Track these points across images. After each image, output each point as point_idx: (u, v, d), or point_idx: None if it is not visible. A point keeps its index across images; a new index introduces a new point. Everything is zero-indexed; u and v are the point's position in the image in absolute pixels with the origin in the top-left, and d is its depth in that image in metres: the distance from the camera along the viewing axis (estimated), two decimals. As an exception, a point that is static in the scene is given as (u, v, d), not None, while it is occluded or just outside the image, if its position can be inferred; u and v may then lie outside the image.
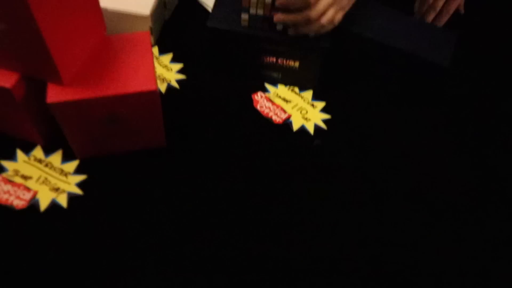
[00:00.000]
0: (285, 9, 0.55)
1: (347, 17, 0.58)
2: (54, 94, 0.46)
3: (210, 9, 0.72)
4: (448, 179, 0.59)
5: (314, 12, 0.54)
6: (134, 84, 0.48)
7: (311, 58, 0.59)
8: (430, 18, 0.76)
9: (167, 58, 0.66)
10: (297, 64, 0.60)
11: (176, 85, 0.63)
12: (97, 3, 0.50)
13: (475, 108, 0.67)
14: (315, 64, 0.60)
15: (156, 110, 0.51)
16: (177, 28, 0.71)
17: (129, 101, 0.48)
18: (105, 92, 0.47)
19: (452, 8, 0.76)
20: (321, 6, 0.54)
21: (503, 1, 0.85)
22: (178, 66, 0.66)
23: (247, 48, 0.60)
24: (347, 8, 0.58)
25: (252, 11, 0.57)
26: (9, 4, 0.38)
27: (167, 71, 0.65)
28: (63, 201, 0.52)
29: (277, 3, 0.55)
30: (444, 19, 0.76)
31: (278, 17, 0.56)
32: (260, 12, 0.57)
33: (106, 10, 0.62)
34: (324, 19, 0.54)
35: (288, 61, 0.60)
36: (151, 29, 0.64)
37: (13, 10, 0.39)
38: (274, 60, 0.61)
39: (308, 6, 0.54)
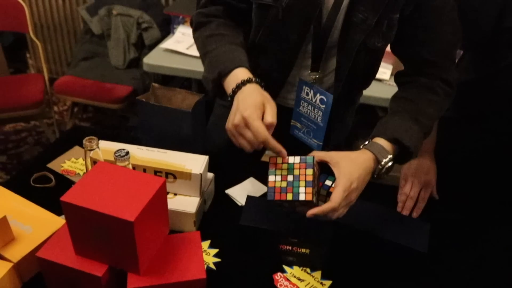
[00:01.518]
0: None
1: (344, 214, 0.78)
2: (134, 281, 0.64)
3: (238, 202, 0.94)
4: None
5: (335, 214, 0.71)
6: (190, 274, 0.65)
7: (318, 247, 0.78)
8: (409, 205, 0.97)
9: (206, 244, 0.85)
10: (307, 251, 0.79)
11: (213, 266, 0.81)
12: (167, 216, 0.71)
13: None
14: (322, 250, 0.79)
15: (202, 291, 0.68)
16: (213, 218, 0.91)
17: (186, 285, 0.65)
18: (169, 280, 0.64)
19: (426, 196, 0.98)
20: (341, 210, 0.71)
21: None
22: (215, 251, 0.84)
23: (270, 239, 0.79)
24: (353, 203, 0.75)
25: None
26: (118, 228, 0.59)
27: (206, 255, 0.83)
28: None
29: (308, 215, 0.71)
30: (421, 205, 0.97)
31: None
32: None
33: (164, 209, 0.83)
34: (336, 216, 0.72)
35: (300, 249, 0.79)
36: (194, 222, 0.85)
37: (120, 232, 0.59)
38: (290, 248, 0.79)
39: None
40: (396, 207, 0.96)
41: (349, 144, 1.98)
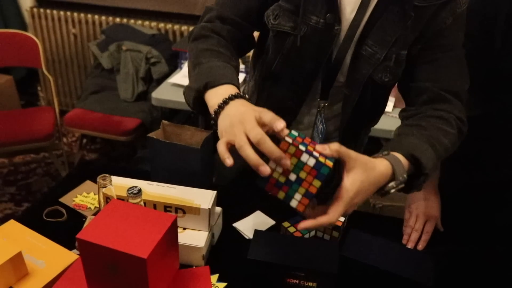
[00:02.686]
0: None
1: (349, 247, 0.80)
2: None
3: (246, 235, 0.96)
4: None
5: (332, 221, 0.65)
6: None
7: (324, 280, 0.79)
8: (414, 238, 0.98)
9: (214, 277, 0.87)
10: (314, 284, 0.80)
11: (221, 301, 0.82)
12: (178, 252, 0.73)
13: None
14: (328, 284, 0.80)
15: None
16: (222, 252, 0.93)
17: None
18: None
19: (431, 229, 0.99)
20: (335, 222, 0.65)
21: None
22: (223, 284, 0.85)
23: (277, 273, 0.81)
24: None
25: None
26: (131, 264, 0.61)
27: (215, 289, 0.84)
28: None
29: (299, 228, 0.66)
30: (426, 238, 0.98)
31: (302, 226, 0.65)
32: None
33: (173, 244, 0.85)
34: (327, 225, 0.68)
35: (307, 282, 0.80)
36: (203, 256, 0.87)
37: (133, 268, 0.62)
38: (297, 281, 0.81)
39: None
40: (401, 239, 0.97)
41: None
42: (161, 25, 2.49)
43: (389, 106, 1.84)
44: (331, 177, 0.66)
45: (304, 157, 0.62)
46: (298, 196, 0.63)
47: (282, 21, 0.86)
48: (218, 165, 1.12)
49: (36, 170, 2.52)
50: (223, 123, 0.67)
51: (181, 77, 1.89)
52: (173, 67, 2.23)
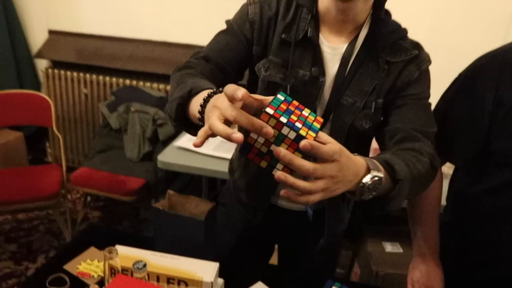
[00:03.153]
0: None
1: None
2: None
3: None
4: None
5: (310, 198, 0.61)
6: None
7: None
8: None
9: None
10: None
11: None
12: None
13: None
14: None
15: None
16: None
17: None
18: None
19: None
20: (317, 195, 0.61)
21: None
22: None
23: None
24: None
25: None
26: None
27: None
28: None
29: (282, 194, 0.62)
30: None
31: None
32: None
33: None
34: (309, 201, 0.62)
35: None
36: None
37: None
38: None
39: (333, 162, 0.60)
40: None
41: (354, 240, 2.01)
42: (169, 88, 2.59)
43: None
44: None
45: (285, 130, 0.61)
46: (280, 166, 0.63)
47: (273, 72, 0.95)
48: (218, 236, 1.14)
49: (38, 227, 2.52)
50: (208, 110, 0.67)
51: (187, 140, 1.95)
52: (179, 129, 2.30)
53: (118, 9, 2.67)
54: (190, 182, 2.48)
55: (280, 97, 0.65)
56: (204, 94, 0.72)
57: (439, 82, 1.06)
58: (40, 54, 2.83)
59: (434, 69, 0.96)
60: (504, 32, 2.15)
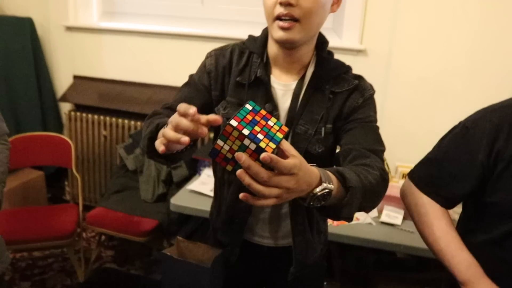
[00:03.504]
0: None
1: None
2: None
3: None
4: None
5: (265, 193, 0.66)
6: None
7: None
8: None
9: None
10: None
11: None
12: None
13: None
14: None
15: None
16: None
17: None
18: None
19: None
20: (273, 191, 0.66)
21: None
22: None
23: None
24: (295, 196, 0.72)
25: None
26: None
27: None
28: None
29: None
30: None
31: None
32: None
33: None
34: (265, 203, 0.68)
35: None
36: None
37: None
38: None
39: (291, 175, 0.66)
40: None
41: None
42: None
43: (398, 219, 1.89)
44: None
45: (246, 142, 0.67)
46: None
47: (230, 110, 1.07)
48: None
49: (52, 265, 2.57)
50: None
51: (199, 184, 2.01)
52: (193, 171, 2.37)
53: (138, 57, 2.83)
54: (202, 224, 2.52)
55: (248, 106, 0.71)
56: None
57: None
58: (64, 98, 2.99)
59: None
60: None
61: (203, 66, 1.12)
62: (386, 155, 2.31)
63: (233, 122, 0.67)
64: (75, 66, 3.01)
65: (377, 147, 0.99)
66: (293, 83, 1.06)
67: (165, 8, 2.77)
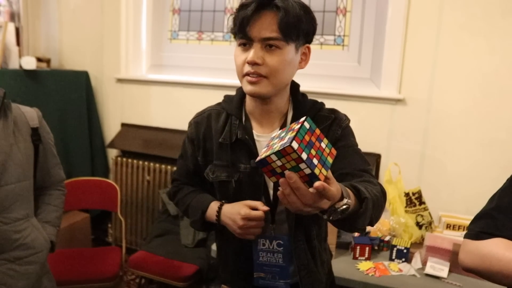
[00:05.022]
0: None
1: None
2: None
3: None
4: None
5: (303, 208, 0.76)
6: None
7: None
8: None
9: None
10: None
11: None
12: None
13: None
14: None
15: None
16: None
17: None
18: None
19: None
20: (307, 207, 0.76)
21: None
22: None
23: None
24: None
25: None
26: None
27: None
28: None
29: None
30: None
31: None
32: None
33: None
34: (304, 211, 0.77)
35: None
36: None
37: None
38: None
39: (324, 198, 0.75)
40: None
41: None
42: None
43: (444, 271, 1.82)
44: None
45: (302, 165, 0.71)
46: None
47: (218, 173, 1.14)
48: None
49: (94, 307, 2.61)
50: (226, 220, 1.11)
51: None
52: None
53: (181, 106, 2.98)
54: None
55: (306, 125, 0.75)
56: (213, 207, 1.15)
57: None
58: (112, 144, 3.16)
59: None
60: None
61: (186, 136, 1.22)
62: (429, 203, 2.28)
63: (294, 145, 0.70)
64: (123, 115, 3.20)
65: (367, 167, 1.07)
66: (275, 132, 1.10)
67: (208, 60, 2.94)
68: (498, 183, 1.07)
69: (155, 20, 3.10)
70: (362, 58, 2.52)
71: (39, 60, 2.94)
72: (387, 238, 2.02)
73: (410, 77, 2.37)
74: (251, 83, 1.02)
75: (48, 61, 3.07)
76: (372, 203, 0.91)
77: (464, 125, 2.29)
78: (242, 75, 1.05)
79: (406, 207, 2.14)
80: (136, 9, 3.04)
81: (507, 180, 1.05)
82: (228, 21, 1.09)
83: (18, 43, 2.89)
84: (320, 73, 2.58)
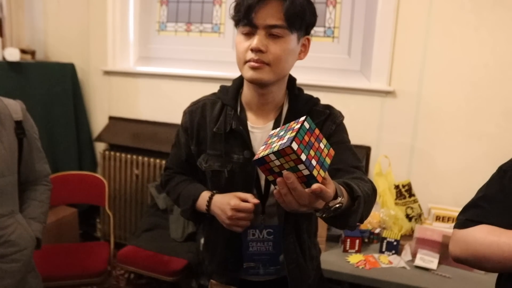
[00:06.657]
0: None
1: None
2: None
3: None
4: None
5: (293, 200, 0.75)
6: None
7: None
8: None
9: None
10: None
11: None
12: None
13: None
14: None
15: None
16: None
17: None
18: None
19: None
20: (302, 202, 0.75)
21: None
22: None
23: None
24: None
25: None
26: None
27: None
28: None
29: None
30: None
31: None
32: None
33: None
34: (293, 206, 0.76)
35: None
36: None
37: None
38: None
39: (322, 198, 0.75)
40: None
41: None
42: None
43: (434, 263, 1.83)
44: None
45: (301, 166, 0.70)
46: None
47: (211, 163, 1.13)
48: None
49: (82, 303, 2.59)
50: (215, 210, 1.11)
51: (229, 223, 2.02)
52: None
53: (170, 99, 2.94)
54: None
55: (306, 125, 0.74)
56: (204, 196, 1.15)
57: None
58: (99, 138, 3.11)
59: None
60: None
61: (181, 125, 1.21)
62: (418, 196, 2.29)
63: (294, 146, 0.69)
64: (111, 108, 3.15)
65: (359, 163, 1.08)
66: (269, 124, 1.11)
67: (197, 53, 2.90)
68: (487, 176, 1.07)
69: (142, 11, 3.05)
70: (352, 50, 2.51)
71: (23, 51, 2.87)
72: (377, 231, 2.03)
73: (400, 70, 2.36)
74: (253, 68, 1.01)
75: (33, 53, 3.00)
76: (364, 201, 0.92)
77: (453, 117, 2.30)
78: (244, 62, 1.03)
79: (396, 199, 2.15)
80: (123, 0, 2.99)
81: (496, 171, 1.05)
82: (230, 9, 1.06)
83: (1, 34, 2.82)
84: (309, 65, 2.56)
